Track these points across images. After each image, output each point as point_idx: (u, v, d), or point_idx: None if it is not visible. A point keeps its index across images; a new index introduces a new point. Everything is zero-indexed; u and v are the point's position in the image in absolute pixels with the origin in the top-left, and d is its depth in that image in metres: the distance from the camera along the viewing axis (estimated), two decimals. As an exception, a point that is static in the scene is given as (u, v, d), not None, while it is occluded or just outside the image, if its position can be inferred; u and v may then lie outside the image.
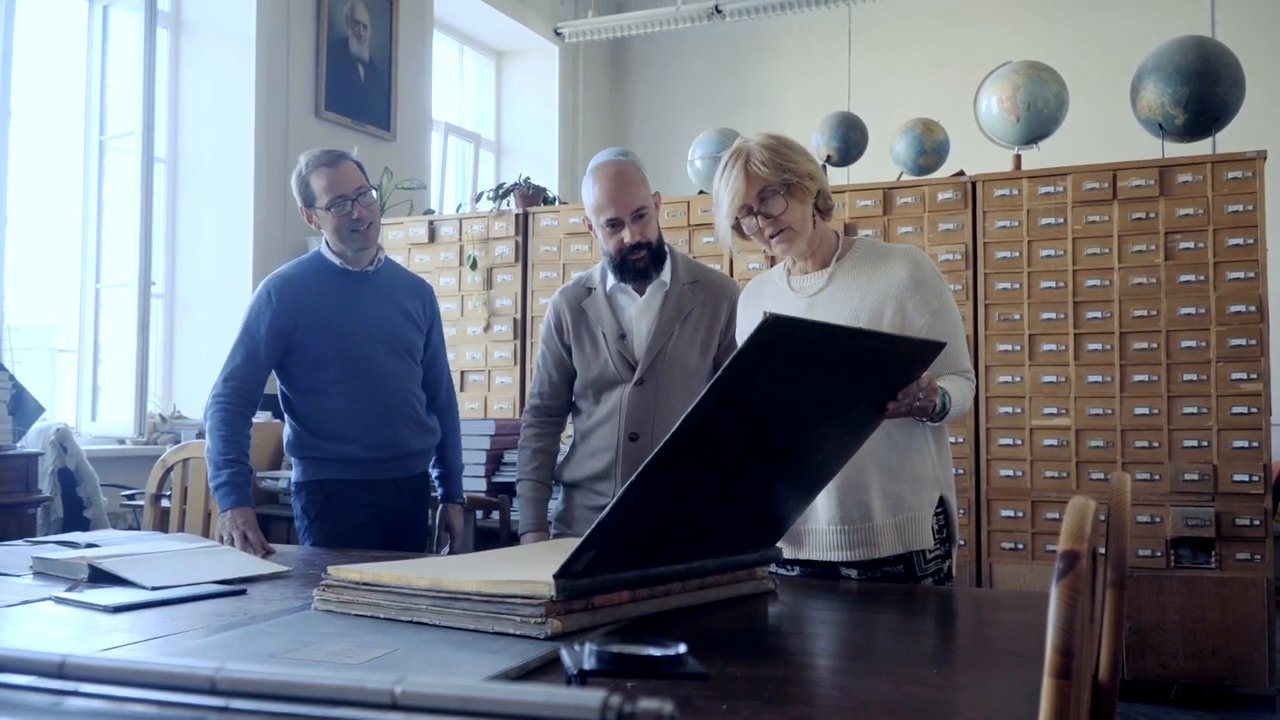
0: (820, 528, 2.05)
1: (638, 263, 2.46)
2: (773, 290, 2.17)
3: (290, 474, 2.82)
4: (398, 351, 2.77)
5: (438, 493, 2.94)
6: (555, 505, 2.62)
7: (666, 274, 2.51)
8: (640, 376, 2.46)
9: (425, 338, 2.86)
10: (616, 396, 2.49)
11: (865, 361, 1.65)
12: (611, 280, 2.52)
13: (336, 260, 2.75)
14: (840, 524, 2.03)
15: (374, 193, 2.77)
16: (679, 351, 2.47)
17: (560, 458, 2.65)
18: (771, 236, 2.04)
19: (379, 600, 1.54)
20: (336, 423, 2.70)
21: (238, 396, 2.65)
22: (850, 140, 5.21)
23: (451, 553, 2.86)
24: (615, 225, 2.44)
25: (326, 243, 2.77)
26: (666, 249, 2.54)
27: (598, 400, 2.53)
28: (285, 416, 2.78)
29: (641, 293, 2.51)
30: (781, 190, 2.01)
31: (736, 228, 2.07)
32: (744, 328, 2.23)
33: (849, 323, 2.01)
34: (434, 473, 2.93)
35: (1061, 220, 4.29)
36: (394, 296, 2.80)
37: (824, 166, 5.16)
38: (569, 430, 2.68)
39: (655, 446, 2.36)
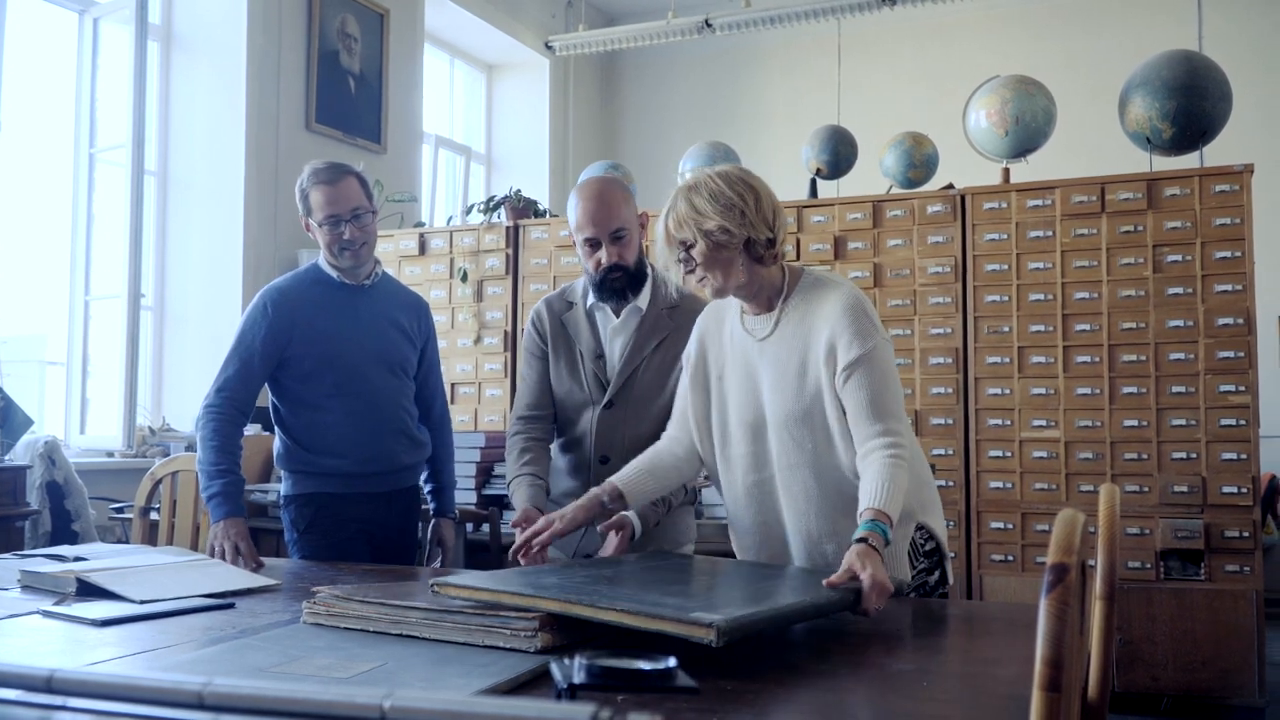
0: None
1: (614, 283, 2.45)
2: (730, 329, 2.15)
3: (279, 487, 2.81)
4: (391, 367, 2.76)
5: (429, 507, 2.93)
6: None
7: (644, 298, 2.48)
8: (610, 399, 2.46)
9: (419, 354, 2.86)
10: (587, 417, 2.48)
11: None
12: (592, 298, 2.51)
13: (333, 273, 2.73)
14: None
15: (372, 215, 2.70)
16: (650, 376, 2.44)
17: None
18: (697, 282, 2.03)
19: (369, 613, 1.54)
20: (328, 437, 2.69)
21: (230, 407, 2.64)
22: (840, 154, 5.23)
23: (443, 566, 2.85)
24: (593, 245, 2.44)
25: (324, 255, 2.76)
26: (648, 270, 2.53)
27: (570, 419, 2.52)
28: (275, 429, 2.77)
29: (619, 313, 2.50)
30: (692, 246, 1.97)
31: None
32: (692, 350, 2.20)
33: (791, 369, 2.02)
34: (426, 487, 2.92)
35: (1050, 233, 4.31)
36: (389, 311, 2.79)
37: (813, 179, 5.18)
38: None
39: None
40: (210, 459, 2.59)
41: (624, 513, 2.21)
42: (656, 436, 2.26)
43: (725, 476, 2.15)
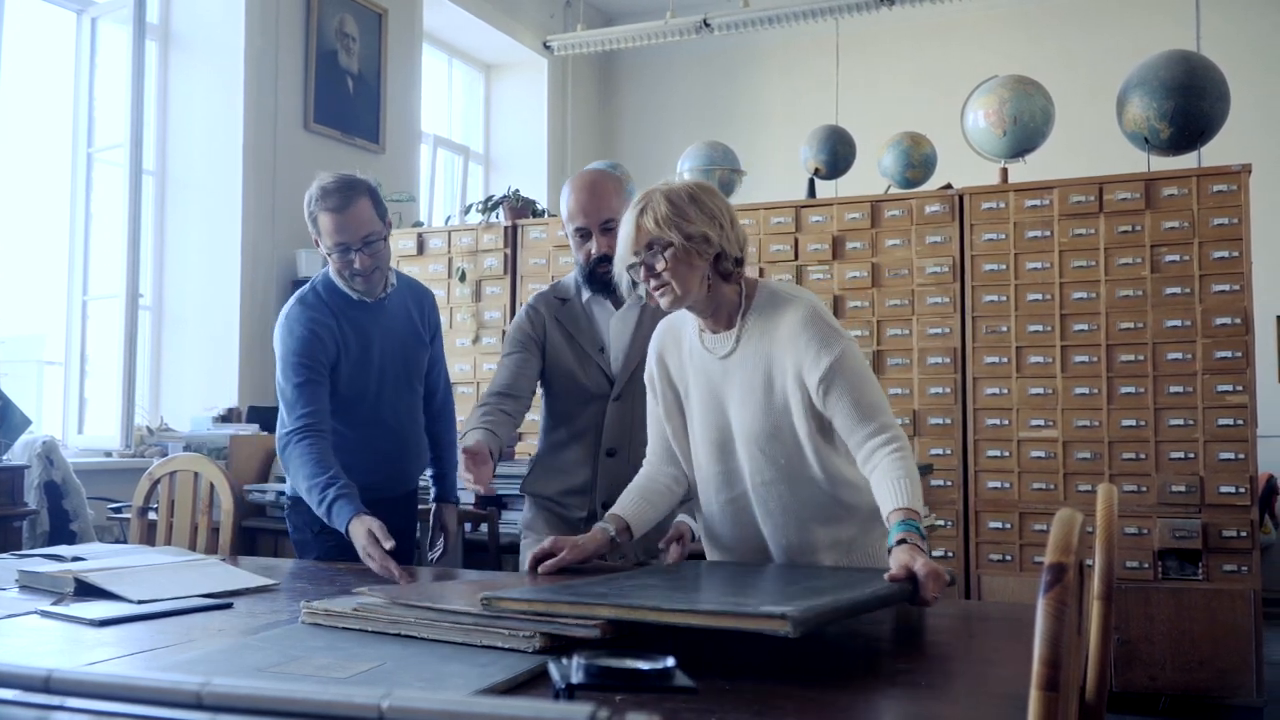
0: None
1: (605, 275, 2.41)
2: (689, 346, 2.12)
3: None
4: (410, 379, 2.73)
5: (431, 493, 2.90)
6: (524, 515, 2.59)
7: (644, 288, 2.48)
8: (618, 393, 2.44)
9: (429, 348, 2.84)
10: (593, 411, 2.46)
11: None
12: (587, 292, 2.49)
13: (351, 292, 2.63)
14: None
15: (384, 239, 2.57)
16: None
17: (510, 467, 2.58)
18: (655, 289, 1.99)
19: (367, 613, 1.54)
20: (341, 456, 2.60)
21: (315, 422, 2.50)
22: (838, 153, 5.23)
23: (445, 552, 2.83)
24: (584, 235, 2.43)
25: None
26: None
27: (572, 413, 2.49)
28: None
29: (618, 306, 2.48)
30: (668, 248, 1.94)
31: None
32: (654, 373, 2.16)
33: (757, 386, 2.00)
34: (428, 472, 2.89)
35: (1048, 233, 4.31)
36: (405, 314, 2.73)
37: (812, 179, 5.18)
38: (529, 442, 2.63)
39: (633, 462, 2.27)
40: (308, 473, 2.41)
41: (681, 519, 2.24)
42: None
43: (702, 495, 2.15)
